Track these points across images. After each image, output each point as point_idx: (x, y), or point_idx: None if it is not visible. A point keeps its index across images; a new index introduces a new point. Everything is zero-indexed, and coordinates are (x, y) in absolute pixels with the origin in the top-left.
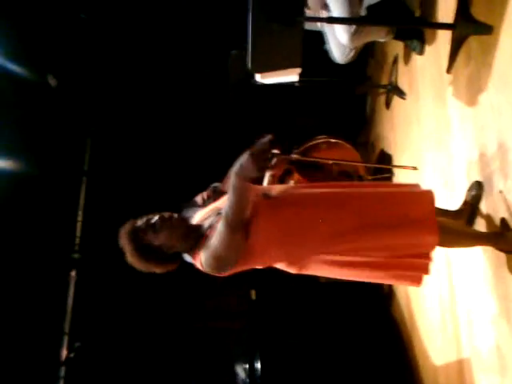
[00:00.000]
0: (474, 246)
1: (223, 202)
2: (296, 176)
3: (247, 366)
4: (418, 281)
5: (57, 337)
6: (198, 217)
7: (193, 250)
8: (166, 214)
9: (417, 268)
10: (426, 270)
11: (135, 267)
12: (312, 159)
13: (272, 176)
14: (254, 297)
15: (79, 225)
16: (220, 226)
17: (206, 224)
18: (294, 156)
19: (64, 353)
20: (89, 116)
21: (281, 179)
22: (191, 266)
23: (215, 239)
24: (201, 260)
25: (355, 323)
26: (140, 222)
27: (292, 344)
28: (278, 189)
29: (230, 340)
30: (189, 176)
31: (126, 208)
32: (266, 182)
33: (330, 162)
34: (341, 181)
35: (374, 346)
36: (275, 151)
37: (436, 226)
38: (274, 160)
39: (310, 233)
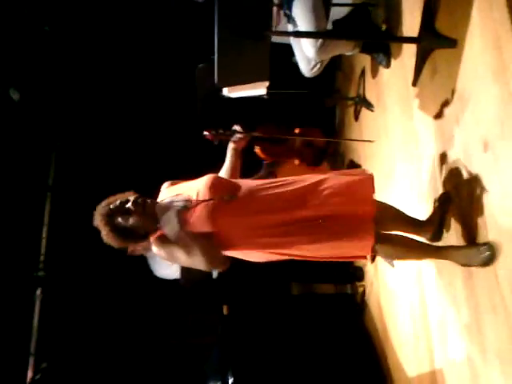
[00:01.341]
0: (425, 259)
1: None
2: (258, 151)
3: (219, 382)
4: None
5: (22, 357)
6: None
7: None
8: (140, 200)
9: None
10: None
11: (110, 245)
12: (272, 136)
13: (234, 150)
14: (226, 312)
15: (44, 242)
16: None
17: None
18: (254, 133)
19: (30, 374)
20: (53, 130)
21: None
22: (162, 283)
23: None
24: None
25: (328, 336)
26: (114, 205)
27: (265, 359)
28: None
29: (202, 356)
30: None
31: (92, 224)
32: (228, 155)
33: (291, 137)
34: (303, 153)
35: (348, 358)
36: (237, 128)
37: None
38: (235, 136)
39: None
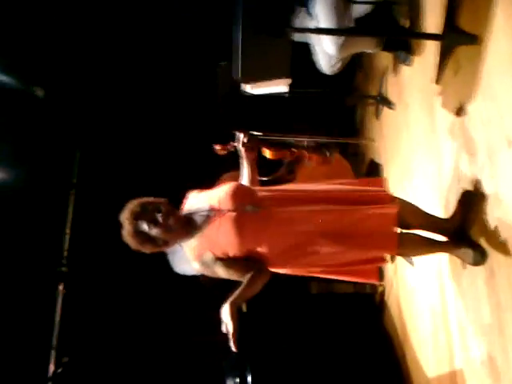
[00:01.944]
0: (435, 253)
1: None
2: (268, 152)
3: (238, 379)
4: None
5: (44, 351)
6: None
7: (183, 239)
8: (170, 214)
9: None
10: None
11: (127, 243)
12: (275, 138)
13: (246, 158)
14: (244, 309)
15: (67, 238)
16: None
17: (198, 220)
18: (255, 133)
19: (51, 368)
20: (78, 128)
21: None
22: (180, 281)
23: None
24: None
25: (347, 335)
26: (145, 210)
27: (283, 356)
28: (260, 201)
29: (221, 353)
30: (179, 189)
31: (114, 221)
32: (243, 165)
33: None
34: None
35: (366, 358)
36: (240, 134)
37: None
38: (240, 140)
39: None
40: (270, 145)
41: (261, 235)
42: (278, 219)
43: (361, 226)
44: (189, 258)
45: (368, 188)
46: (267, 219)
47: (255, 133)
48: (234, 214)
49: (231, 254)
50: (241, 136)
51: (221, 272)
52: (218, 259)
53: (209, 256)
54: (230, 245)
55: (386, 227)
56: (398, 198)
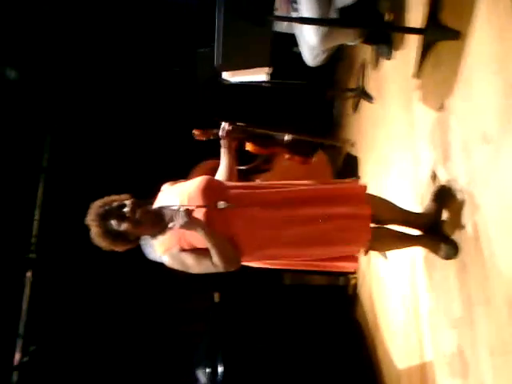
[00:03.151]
0: (408, 247)
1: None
2: (249, 145)
3: (209, 369)
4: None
5: (10, 340)
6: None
7: (155, 236)
8: (137, 207)
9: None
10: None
11: (98, 246)
12: (257, 131)
13: (226, 149)
14: (217, 299)
15: (36, 224)
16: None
17: (168, 214)
18: (239, 124)
19: (18, 356)
20: (49, 111)
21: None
22: (152, 269)
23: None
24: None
25: (319, 326)
26: (110, 208)
27: (255, 347)
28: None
29: (192, 343)
30: (153, 176)
31: (85, 207)
32: (222, 156)
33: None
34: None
35: (338, 350)
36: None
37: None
38: (224, 130)
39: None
40: (252, 137)
41: (228, 232)
42: (245, 219)
43: (332, 230)
44: (158, 251)
45: (342, 186)
46: (235, 217)
47: (239, 123)
48: (203, 209)
49: (199, 247)
50: (225, 125)
51: (190, 264)
52: (186, 252)
53: (177, 249)
54: (198, 240)
55: (359, 229)
56: (372, 195)
